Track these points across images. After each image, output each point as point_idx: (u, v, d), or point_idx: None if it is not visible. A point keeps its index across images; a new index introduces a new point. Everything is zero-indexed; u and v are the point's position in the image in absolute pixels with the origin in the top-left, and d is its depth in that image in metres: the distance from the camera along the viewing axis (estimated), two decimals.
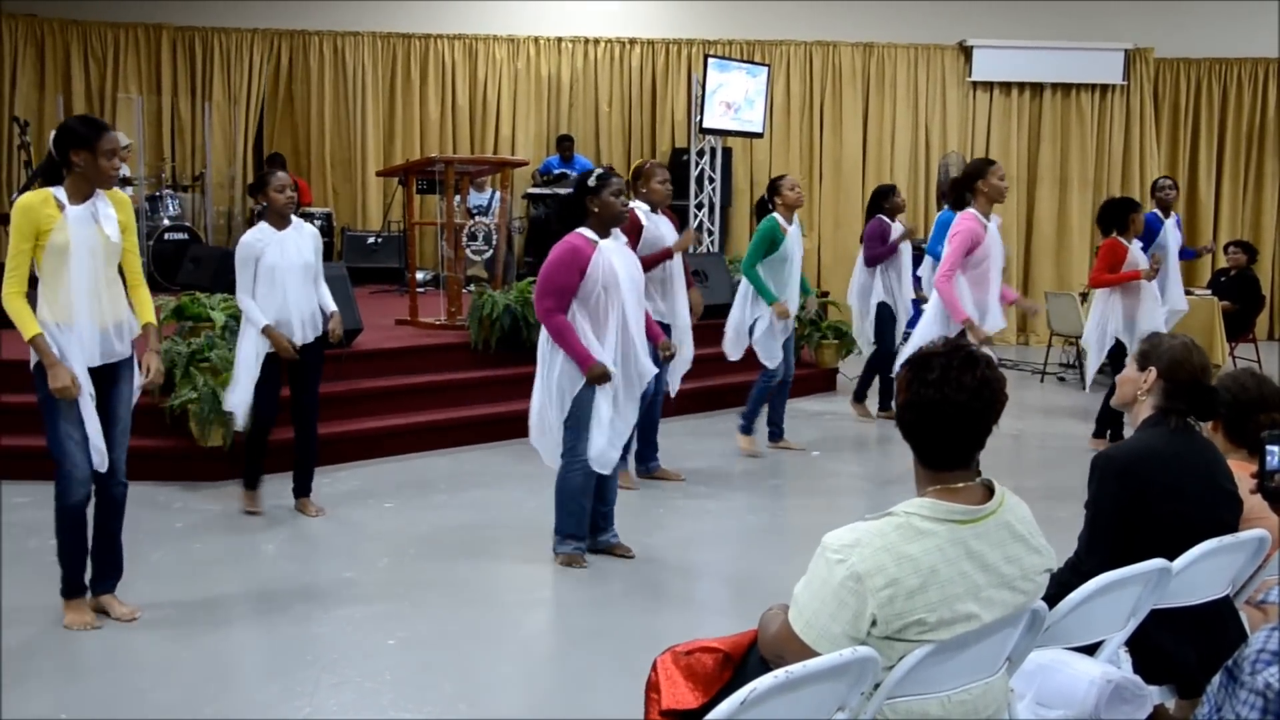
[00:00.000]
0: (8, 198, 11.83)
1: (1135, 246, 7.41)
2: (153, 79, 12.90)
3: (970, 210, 6.22)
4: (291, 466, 5.86)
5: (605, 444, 4.89)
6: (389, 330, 8.51)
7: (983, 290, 6.26)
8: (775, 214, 7.09)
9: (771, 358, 7.12)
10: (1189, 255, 9.61)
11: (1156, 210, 8.34)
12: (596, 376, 4.78)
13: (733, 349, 7.21)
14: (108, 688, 3.83)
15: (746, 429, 7.39)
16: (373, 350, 7.73)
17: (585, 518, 5.10)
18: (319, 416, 5.82)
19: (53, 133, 4.20)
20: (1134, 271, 7.27)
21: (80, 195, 4.12)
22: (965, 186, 6.28)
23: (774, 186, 7.22)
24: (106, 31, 12.77)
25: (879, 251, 8.31)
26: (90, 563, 4.36)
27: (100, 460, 4.14)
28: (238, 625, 4.39)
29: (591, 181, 4.88)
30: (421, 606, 4.60)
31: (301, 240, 5.52)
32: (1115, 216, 7.47)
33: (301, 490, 5.86)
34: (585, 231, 4.87)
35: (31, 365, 4.14)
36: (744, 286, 7.15)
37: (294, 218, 5.56)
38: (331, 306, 5.64)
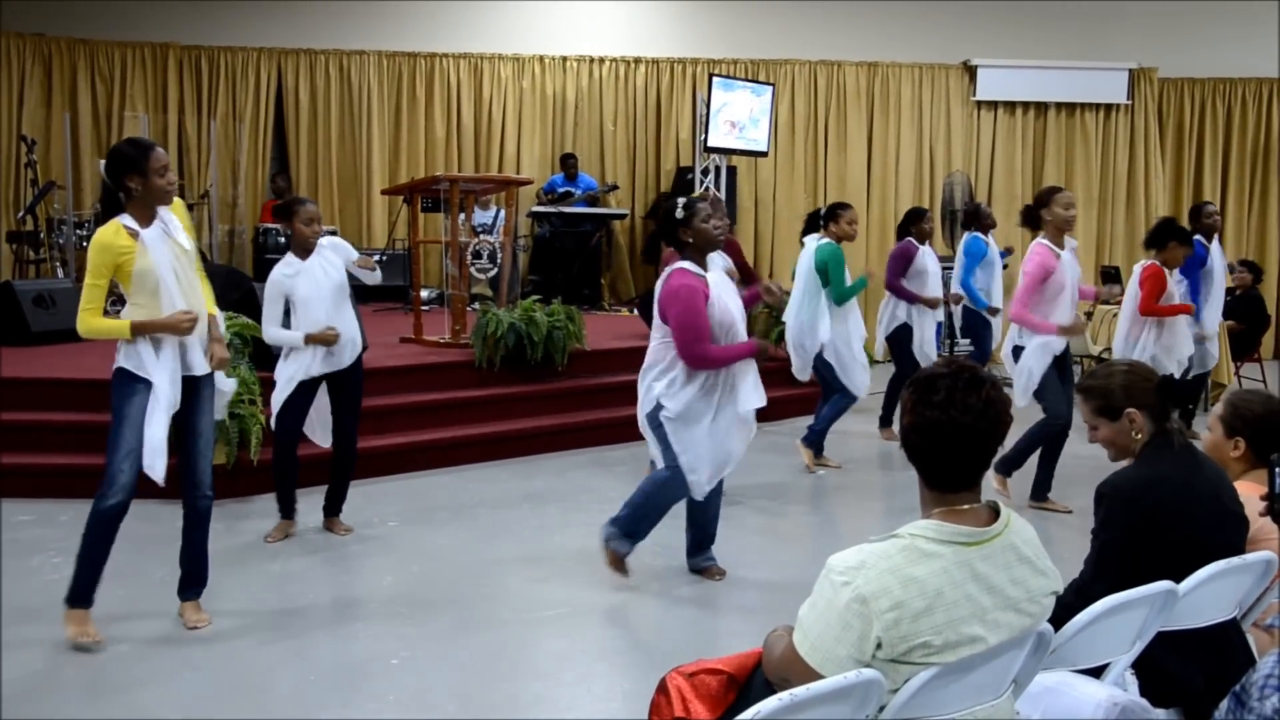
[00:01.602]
0: (14, 215, 11.86)
1: (1172, 279, 7.16)
2: (159, 97, 12.95)
3: (1043, 241, 6.20)
4: (300, 485, 5.85)
5: (706, 474, 4.85)
6: (393, 348, 8.52)
7: (1057, 319, 6.19)
8: (829, 240, 7.23)
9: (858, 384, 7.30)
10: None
11: (1201, 237, 8.07)
12: (764, 352, 4.77)
13: (802, 371, 7.38)
14: (104, 708, 3.81)
15: (819, 447, 7.50)
16: (377, 368, 7.71)
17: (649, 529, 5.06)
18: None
19: (102, 162, 4.29)
20: (1185, 305, 7.14)
21: (147, 217, 4.22)
22: (1034, 213, 6.26)
23: (834, 214, 7.35)
24: (114, 50, 12.82)
25: (895, 284, 8.21)
26: (179, 569, 4.54)
27: (154, 468, 4.20)
28: (239, 644, 4.37)
29: (679, 212, 4.72)
30: (425, 626, 4.58)
31: (326, 262, 5.53)
32: (1156, 239, 7.23)
33: (332, 510, 5.89)
34: (690, 266, 4.70)
35: (115, 370, 4.23)
36: (806, 312, 7.26)
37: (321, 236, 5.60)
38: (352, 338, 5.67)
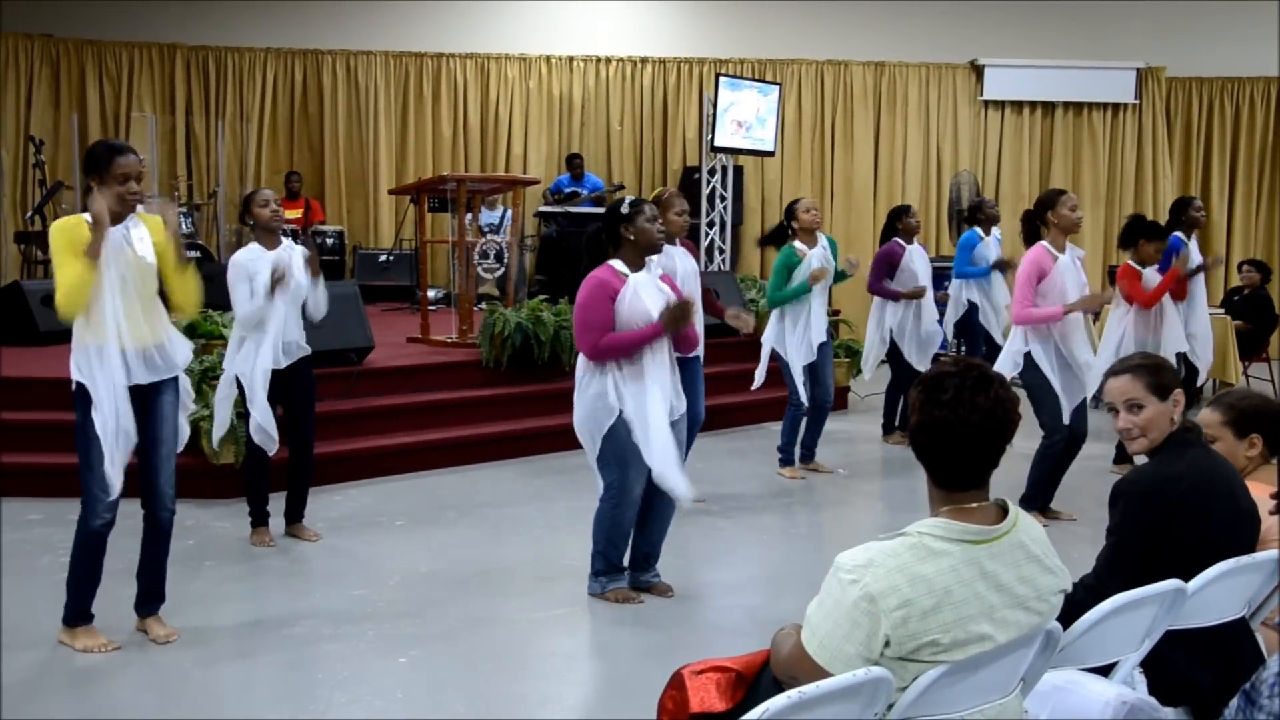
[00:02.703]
0: (22, 216, 11.89)
1: (1148, 273, 7.04)
2: (167, 98, 12.97)
3: (1041, 243, 6.07)
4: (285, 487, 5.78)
5: (660, 467, 4.68)
6: (400, 348, 8.53)
7: (1064, 325, 6.01)
8: (794, 242, 7.03)
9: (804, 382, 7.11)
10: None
11: (1181, 232, 7.84)
12: (673, 319, 4.61)
13: (762, 378, 7.22)
14: (118, 709, 3.83)
15: (786, 460, 7.31)
16: (384, 368, 7.74)
17: (621, 554, 4.93)
18: (316, 437, 5.78)
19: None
20: (1167, 279, 6.96)
21: (112, 218, 4.09)
22: (1036, 218, 6.15)
23: (790, 211, 7.14)
24: (121, 51, 12.85)
25: (876, 287, 8.09)
26: (136, 584, 4.38)
27: (112, 481, 4.07)
28: (249, 643, 4.38)
29: (625, 209, 4.68)
30: (433, 624, 4.59)
31: (293, 260, 5.45)
32: (1124, 238, 7.21)
33: (294, 516, 5.76)
34: (615, 264, 4.66)
35: (74, 386, 4.11)
36: (773, 318, 7.13)
37: (282, 238, 5.52)
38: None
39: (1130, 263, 7.10)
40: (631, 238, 4.67)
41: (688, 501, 4.91)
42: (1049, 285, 6.00)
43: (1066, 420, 6.04)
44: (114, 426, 4.07)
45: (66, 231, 4.03)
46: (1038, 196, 6.41)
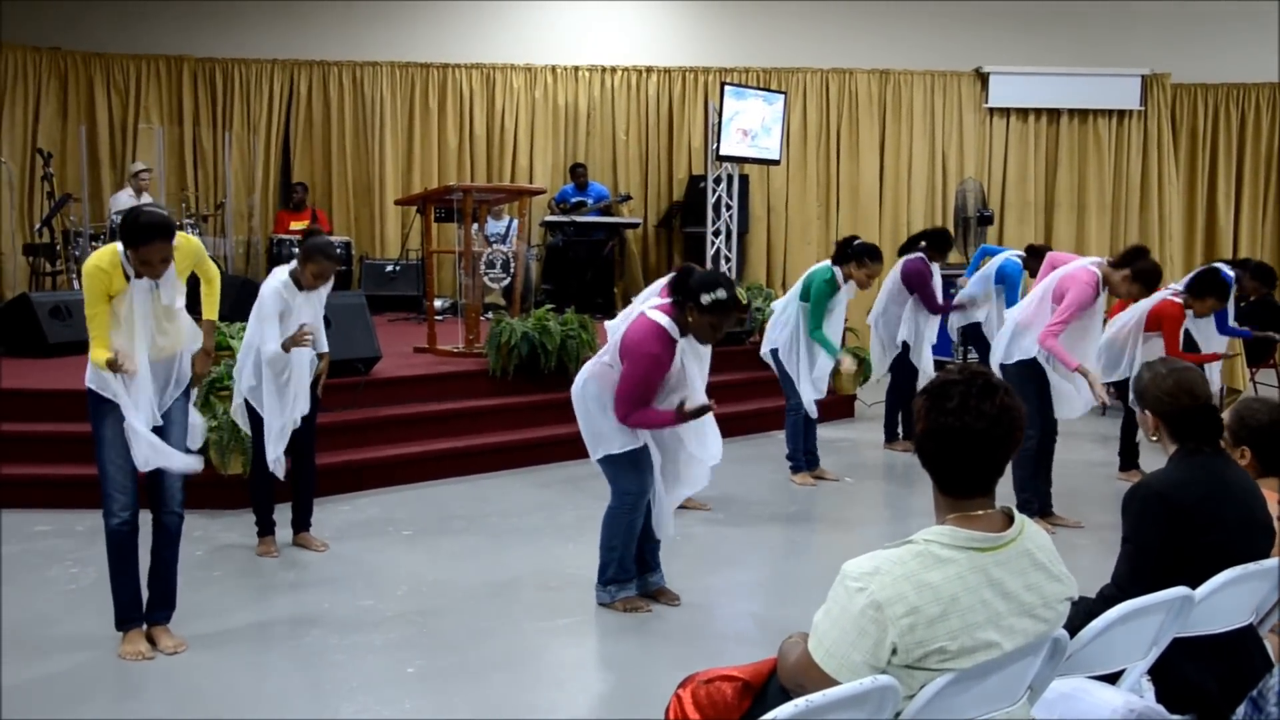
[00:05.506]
0: (30, 228, 11.94)
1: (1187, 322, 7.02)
2: (174, 109, 13.03)
3: (1091, 267, 5.90)
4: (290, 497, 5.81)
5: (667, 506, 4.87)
6: (407, 358, 8.54)
7: (1082, 342, 5.94)
8: (837, 270, 7.03)
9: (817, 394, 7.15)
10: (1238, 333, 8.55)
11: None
12: (699, 411, 4.54)
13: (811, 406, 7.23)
14: (121, 713, 3.83)
15: (797, 467, 7.36)
16: (391, 378, 7.76)
17: (632, 560, 4.95)
18: (324, 447, 5.81)
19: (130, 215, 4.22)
20: (1211, 354, 7.02)
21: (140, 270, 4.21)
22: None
23: (860, 255, 7.02)
24: (128, 63, 12.91)
25: (940, 307, 8.18)
26: (145, 591, 4.40)
27: (143, 458, 4.17)
28: (256, 653, 4.38)
29: (705, 298, 4.42)
30: (440, 634, 4.59)
31: (319, 296, 5.53)
32: (1196, 286, 6.83)
33: (301, 525, 5.79)
34: (668, 327, 4.54)
35: (87, 391, 4.23)
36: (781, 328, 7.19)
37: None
38: (323, 346, 5.63)
39: (1181, 303, 6.87)
40: (689, 318, 4.53)
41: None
42: (1086, 316, 5.89)
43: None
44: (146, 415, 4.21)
45: (98, 276, 4.13)
46: (1137, 251, 5.99)
